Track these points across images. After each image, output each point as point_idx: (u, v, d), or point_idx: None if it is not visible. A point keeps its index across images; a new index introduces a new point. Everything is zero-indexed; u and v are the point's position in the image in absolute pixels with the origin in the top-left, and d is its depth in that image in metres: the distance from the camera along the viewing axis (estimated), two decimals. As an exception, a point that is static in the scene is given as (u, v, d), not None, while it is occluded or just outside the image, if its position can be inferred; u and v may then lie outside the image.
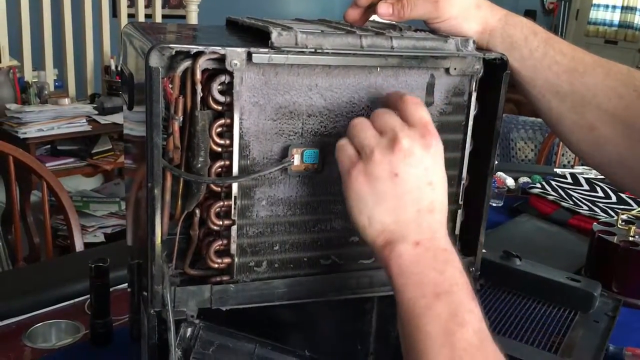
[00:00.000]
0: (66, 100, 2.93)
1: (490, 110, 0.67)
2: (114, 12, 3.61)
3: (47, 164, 2.63)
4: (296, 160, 0.61)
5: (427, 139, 0.56)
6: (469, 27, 0.67)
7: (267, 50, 0.57)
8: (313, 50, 0.58)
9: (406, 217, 0.55)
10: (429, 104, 0.65)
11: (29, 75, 3.09)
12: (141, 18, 3.50)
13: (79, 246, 1.63)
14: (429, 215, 0.56)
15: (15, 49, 3.07)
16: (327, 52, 0.58)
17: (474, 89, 0.65)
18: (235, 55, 0.56)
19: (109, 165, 2.85)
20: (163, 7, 3.88)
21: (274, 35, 0.57)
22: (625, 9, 6.96)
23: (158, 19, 3.57)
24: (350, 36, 0.60)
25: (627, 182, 0.69)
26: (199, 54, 0.55)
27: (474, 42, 0.65)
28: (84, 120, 2.80)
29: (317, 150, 0.61)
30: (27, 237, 2.45)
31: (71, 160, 2.81)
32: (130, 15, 3.52)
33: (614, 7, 7.04)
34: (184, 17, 3.57)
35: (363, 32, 0.62)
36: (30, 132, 2.63)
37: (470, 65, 0.64)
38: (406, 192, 0.55)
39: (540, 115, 0.71)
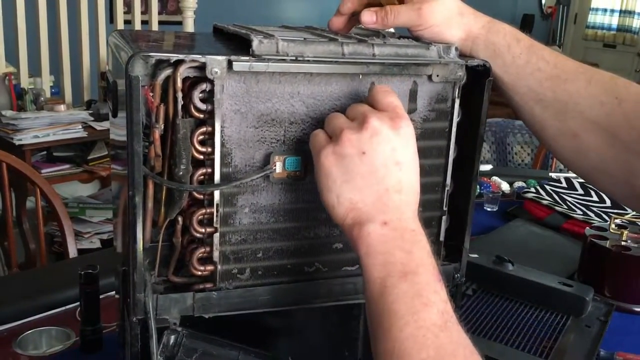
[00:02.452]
0: (62, 107, 2.93)
1: (474, 116, 0.67)
2: (111, 18, 3.61)
3: (42, 170, 2.63)
4: (278, 167, 0.61)
5: (396, 120, 0.57)
6: (452, 35, 0.67)
7: (247, 58, 0.57)
8: (294, 58, 0.58)
9: (373, 195, 0.56)
10: (411, 111, 0.65)
11: (25, 81, 3.09)
12: (137, 24, 3.51)
13: (72, 252, 1.63)
14: (396, 195, 0.57)
15: (12, 56, 3.08)
16: (309, 60, 0.59)
17: (457, 95, 0.66)
18: (216, 63, 0.56)
19: (105, 171, 2.84)
20: (160, 13, 3.89)
21: (255, 43, 0.57)
22: (624, 12, 6.99)
23: (154, 25, 3.58)
24: (332, 44, 0.60)
25: (610, 189, 0.69)
26: (180, 62, 0.55)
27: (456, 49, 0.65)
28: (80, 127, 2.81)
29: (299, 158, 0.62)
30: (23, 244, 2.45)
31: (67, 166, 2.81)
32: (126, 22, 3.53)
33: (612, 10, 7.06)
34: (180, 23, 3.58)
35: (345, 39, 0.62)
36: (25, 138, 2.63)
37: (453, 72, 0.64)
38: (373, 170, 0.56)
39: (524, 122, 0.71)
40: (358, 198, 0.56)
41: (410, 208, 0.58)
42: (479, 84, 0.66)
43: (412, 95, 0.64)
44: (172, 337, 0.61)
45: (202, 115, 0.58)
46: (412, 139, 0.58)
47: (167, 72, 0.56)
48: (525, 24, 6.73)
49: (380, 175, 0.56)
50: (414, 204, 0.58)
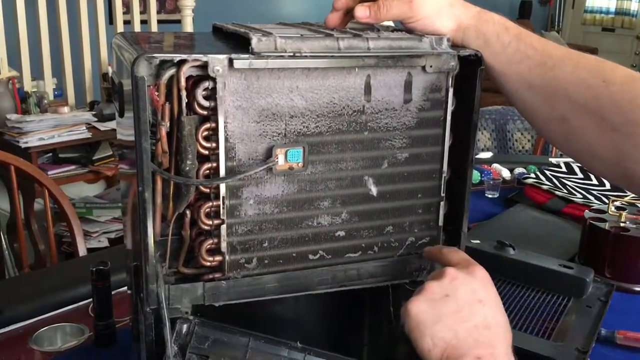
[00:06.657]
0: (66, 109, 2.95)
1: (468, 104, 0.69)
2: (110, 20, 3.63)
3: (49, 172, 2.65)
4: (280, 159, 0.63)
5: (470, 268, 0.64)
6: (443, 26, 0.69)
7: (247, 55, 0.59)
8: (292, 54, 0.60)
9: (464, 332, 0.61)
10: (407, 101, 0.67)
11: (28, 85, 3.12)
12: (137, 24, 3.53)
13: (82, 252, 1.65)
14: (485, 331, 0.62)
15: (14, 60, 3.10)
16: (306, 56, 0.61)
17: (450, 85, 0.68)
18: (217, 61, 0.58)
19: (110, 171, 2.87)
20: (159, 12, 3.91)
21: (254, 41, 0.60)
22: (622, -5, 6.96)
23: (154, 24, 3.60)
24: (328, 39, 0.62)
25: (601, 170, 0.71)
26: (183, 61, 0.58)
27: (448, 40, 0.67)
28: (84, 128, 2.83)
29: (300, 150, 0.64)
30: (32, 245, 2.48)
31: (73, 167, 2.84)
32: (126, 22, 3.55)
33: (610, -6, 7.04)
34: (179, 21, 3.60)
35: (341, 34, 0.64)
36: (31, 141, 2.66)
37: (446, 62, 0.67)
38: (459, 309, 0.61)
39: (516, 108, 0.73)
40: (450, 336, 0.61)
41: (502, 344, 0.62)
42: (471, 73, 0.68)
43: (407, 86, 0.67)
44: (185, 326, 0.64)
45: (205, 112, 0.60)
46: (489, 281, 0.64)
47: (171, 71, 0.58)
48: (524, 11, 6.71)
49: (466, 314, 0.61)
50: (504, 340, 0.62)
